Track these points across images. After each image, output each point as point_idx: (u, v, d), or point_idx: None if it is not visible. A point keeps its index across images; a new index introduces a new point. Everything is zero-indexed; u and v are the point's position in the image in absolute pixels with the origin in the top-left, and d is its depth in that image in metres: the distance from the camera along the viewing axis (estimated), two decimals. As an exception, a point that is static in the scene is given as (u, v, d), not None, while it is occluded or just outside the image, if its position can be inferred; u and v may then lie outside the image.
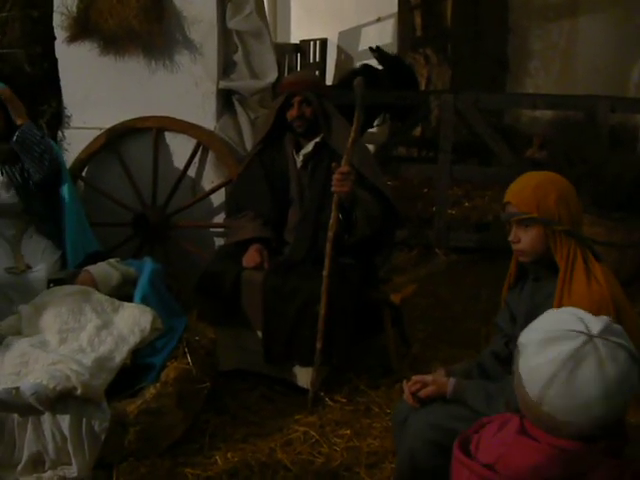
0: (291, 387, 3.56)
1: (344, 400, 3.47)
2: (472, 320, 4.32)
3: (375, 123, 7.28)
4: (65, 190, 3.82)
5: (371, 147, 6.52)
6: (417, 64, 8.16)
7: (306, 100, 3.56)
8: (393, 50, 8.08)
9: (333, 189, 3.28)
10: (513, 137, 7.05)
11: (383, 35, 8.51)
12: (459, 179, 6.29)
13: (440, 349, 3.99)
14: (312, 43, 8.26)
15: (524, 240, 2.31)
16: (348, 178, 3.25)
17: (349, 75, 6.78)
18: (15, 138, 3.69)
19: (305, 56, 8.10)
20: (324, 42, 8.51)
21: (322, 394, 3.48)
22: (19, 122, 3.71)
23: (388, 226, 3.60)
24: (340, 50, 8.85)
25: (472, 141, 6.51)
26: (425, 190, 6.88)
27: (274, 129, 3.71)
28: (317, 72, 8.45)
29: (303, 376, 3.51)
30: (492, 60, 8.23)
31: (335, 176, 3.26)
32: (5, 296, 3.59)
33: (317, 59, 8.38)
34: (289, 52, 7.79)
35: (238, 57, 4.34)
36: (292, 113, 3.58)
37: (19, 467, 2.85)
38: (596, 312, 1.80)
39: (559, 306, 2.16)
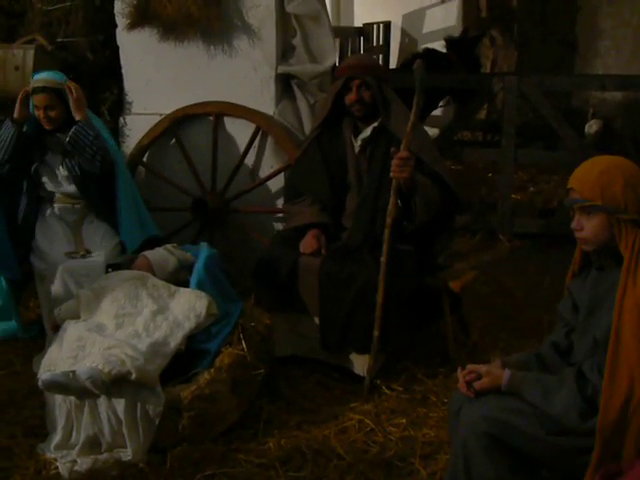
0: (347, 374, 3.53)
1: (400, 388, 3.42)
2: (534, 308, 4.20)
3: (440, 104, 7.12)
4: (120, 180, 3.86)
5: (435, 131, 6.43)
6: (482, 46, 7.96)
7: (365, 84, 3.49)
8: (457, 32, 7.88)
9: (392, 174, 3.21)
10: (581, 120, 6.82)
11: (447, 17, 8.34)
12: (524, 163, 6.12)
13: (500, 338, 3.89)
14: (375, 26, 8.16)
15: (587, 228, 2.20)
16: (407, 163, 3.18)
17: (411, 58, 6.64)
18: (68, 139, 3.73)
19: (368, 39, 8.02)
20: (387, 25, 8.39)
21: (378, 382, 3.44)
22: (77, 117, 3.75)
23: (447, 212, 3.52)
24: (404, 33, 8.72)
25: (538, 124, 6.32)
26: (490, 174, 6.72)
27: (332, 113, 3.66)
28: (380, 56, 8.36)
29: (359, 363, 3.48)
30: (560, 41, 7.98)
31: (394, 161, 3.19)
32: (65, 280, 3.65)
33: (380, 42, 8.28)
34: (352, 36, 7.73)
35: (297, 41, 4.30)
36: (351, 97, 3.52)
37: (76, 448, 2.90)
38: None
39: (622, 297, 2.06)
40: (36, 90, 3.77)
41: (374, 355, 3.35)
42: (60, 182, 3.93)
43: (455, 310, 3.74)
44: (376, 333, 3.29)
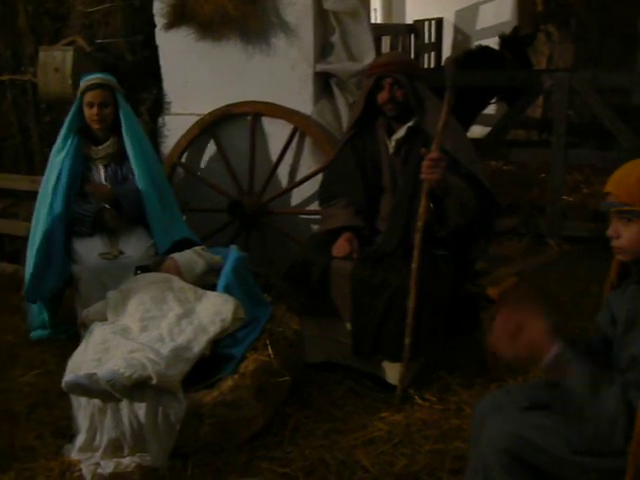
0: (380, 382, 3.44)
1: (434, 399, 3.30)
2: (580, 316, 4.01)
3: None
4: (146, 182, 3.86)
5: (486, 130, 6.26)
6: (537, 41, 7.73)
7: (397, 82, 3.38)
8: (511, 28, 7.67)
9: (422, 176, 3.09)
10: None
11: (501, 12, 8.12)
12: (576, 164, 5.90)
13: (542, 347, 3.71)
14: (427, 23, 8.02)
15: (624, 236, 2.06)
16: (438, 164, 3.06)
17: (464, 56, 6.47)
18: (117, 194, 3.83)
19: (419, 37, 7.87)
20: (440, 22, 8.24)
21: (411, 391, 3.33)
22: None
23: (484, 216, 3.38)
24: (457, 30, 8.54)
25: (593, 123, 6.09)
26: (542, 175, 6.51)
27: (366, 113, 3.56)
28: (432, 54, 8.21)
29: (392, 372, 3.38)
30: (620, 35, 7.67)
31: (424, 162, 3.07)
32: (98, 281, 3.66)
33: (432, 40, 8.13)
34: (402, 33, 7.60)
35: (335, 39, 4.21)
36: (383, 96, 3.41)
37: (100, 451, 2.89)
38: None
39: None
40: (91, 87, 3.78)
41: (406, 364, 3.25)
42: None
43: (494, 318, 3.59)
44: (407, 341, 3.19)
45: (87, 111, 3.82)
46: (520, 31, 6.70)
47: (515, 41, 6.48)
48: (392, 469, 2.81)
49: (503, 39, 6.53)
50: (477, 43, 7.17)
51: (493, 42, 7.17)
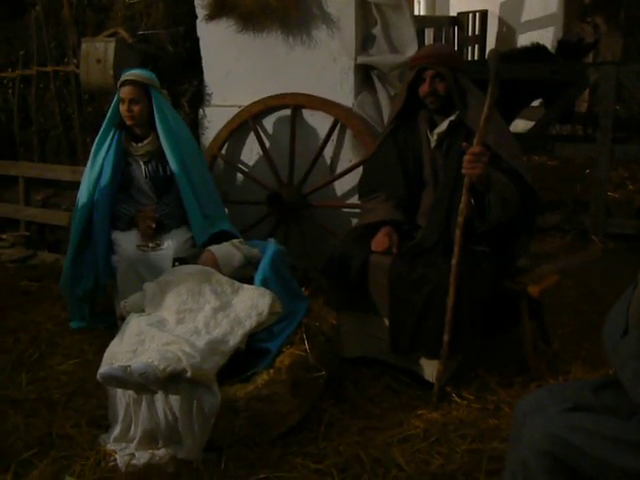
0: (417, 379, 3.39)
1: (472, 397, 3.24)
2: (624, 316, 3.91)
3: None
4: (183, 176, 3.87)
5: (529, 124, 6.16)
6: (585, 34, 7.57)
7: (439, 75, 3.32)
8: (559, 22, 7.53)
9: (463, 171, 3.03)
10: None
11: (548, 4, 7.95)
12: (622, 159, 5.75)
13: (584, 347, 3.64)
14: (471, 15, 7.89)
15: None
16: (480, 159, 2.99)
17: (517, 53, 6.28)
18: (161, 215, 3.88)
19: (463, 29, 7.76)
20: (484, 14, 8.10)
21: (449, 389, 3.29)
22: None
23: (526, 212, 3.30)
24: (501, 22, 8.39)
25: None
26: (587, 171, 6.38)
27: (407, 106, 3.51)
28: (476, 46, 8.09)
29: (429, 369, 3.33)
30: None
31: (466, 157, 3.01)
32: (135, 272, 3.68)
33: (476, 32, 8.00)
34: (446, 25, 7.50)
35: (377, 31, 4.15)
36: (424, 89, 3.35)
37: (134, 442, 2.90)
38: None
39: None
40: (124, 83, 3.81)
41: (444, 361, 3.20)
42: (140, 188, 3.98)
43: (535, 316, 3.53)
44: (446, 338, 3.13)
45: (120, 107, 3.84)
46: (584, 41, 6.51)
47: (575, 50, 6.31)
48: (428, 468, 2.76)
49: (563, 45, 6.36)
50: (534, 41, 6.90)
51: (538, 36, 7.06)
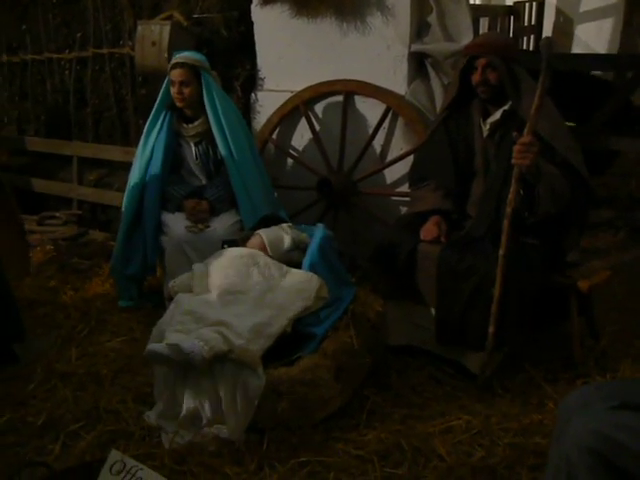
0: (461, 370, 3.36)
1: (516, 391, 3.22)
2: (676, 315, 3.84)
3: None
4: (232, 160, 3.91)
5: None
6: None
7: (491, 64, 3.27)
8: (619, 12, 7.33)
9: (513, 161, 2.99)
10: None
11: (608, -7, 7.76)
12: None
13: (633, 345, 3.57)
14: (527, 4, 7.74)
15: None
16: (530, 149, 2.95)
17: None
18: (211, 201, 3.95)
19: (519, 19, 7.63)
20: (541, 3, 7.93)
21: (493, 382, 3.25)
22: None
23: (578, 205, 3.25)
24: (559, 12, 8.21)
25: None
26: (642, 166, 6.25)
27: (461, 95, 3.47)
28: (532, 37, 7.95)
29: (474, 360, 3.30)
30: None
31: (516, 147, 2.97)
32: (184, 253, 3.72)
33: (532, 22, 7.86)
34: (501, 15, 7.37)
35: (432, 18, 4.10)
36: (475, 77, 3.32)
37: (178, 420, 2.93)
38: None
39: None
40: (174, 66, 3.85)
41: (489, 353, 3.17)
42: (190, 169, 4.02)
43: (584, 311, 3.47)
44: (491, 329, 3.11)
45: (171, 89, 3.88)
46: None
47: None
48: (469, 460, 2.74)
49: None
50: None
51: (596, 27, 6.87)
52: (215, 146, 3.92)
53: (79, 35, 5.43)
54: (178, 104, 3.91)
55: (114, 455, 2.35)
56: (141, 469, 2.34)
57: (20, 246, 4.26)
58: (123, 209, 4.07)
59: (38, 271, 4.66)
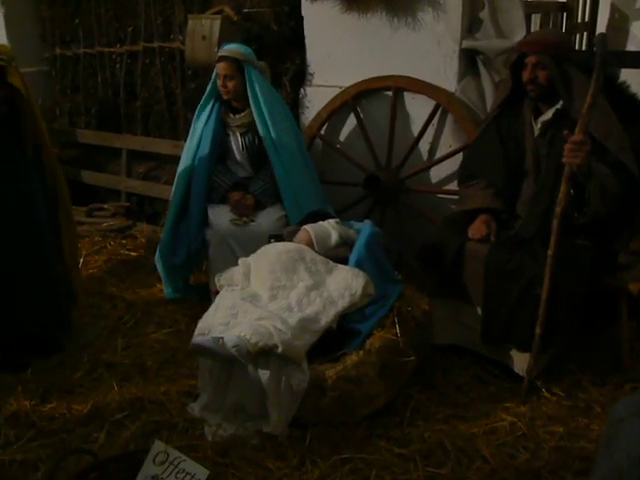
0: (507, 371, 3.33)
1: (562, 394, 3.17)
2: None
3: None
4: (277, 155, 3.92)
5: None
6: None
7: (541, 63, 3.21)
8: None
9: (564, 160, 2.93)
10: None
11: (666, -10, 7.54)
12: None
13: (684, 351, 3.49)
14: (581, 1, 7.58)
15: None
16: (581, 148, 2.89)
17: None
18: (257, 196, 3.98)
19: (572, 16, 7.46)
20: None
21: (539, 384, 3.22)
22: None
23: (629, 206, 3.17)
24: (614, 9, 8.01)
25: None
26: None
27: (513, 93, 3.42)
28: (585, 34, 7.77)
29: (520, 361, 3.26)
30: None
31: (567, 145, 2.91)
32: (228, 247, 3.74)
33: (586, 19, 7.68)
34: (554, 11, 7.22)
35: (484, 14, 4.05)
36: (525, 75, 3.27)
37: (222, 413, 2.96)
38: None
39: None
40: (219, 59, 3.88)
41: (535, 354, 3.12)
42: (236, 159, 4.04)
43: (634, 315, 3.40)
44: (538, 331, 3.06)
45: (218, 82, 3.91)
46: None
47: None
48: (512, 462, 2.72)
49: None
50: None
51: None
52: (261, 138, 3.94)
53: (130, 29, 5.49)
54: (224, 96, 3.94)
55: (157, 445, 2.38)
56: (184, 460, 2.36)
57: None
58: (171, 198, 4.11)
59: (86, 262, 4.72)
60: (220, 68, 3.87)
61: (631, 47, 7.69)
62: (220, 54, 3.92)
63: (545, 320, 3.05)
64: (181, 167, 4.07)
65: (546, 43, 3.24)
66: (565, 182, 2.95)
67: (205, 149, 3.96)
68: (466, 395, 3.21)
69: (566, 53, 3.26)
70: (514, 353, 3.29)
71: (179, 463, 2.36)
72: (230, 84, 3.87)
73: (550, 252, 2.98)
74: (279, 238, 3.42)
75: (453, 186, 4.22)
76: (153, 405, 3.13)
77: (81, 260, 4.49)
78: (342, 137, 4.60)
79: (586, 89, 3.07)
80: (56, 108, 6.23)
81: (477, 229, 3.37)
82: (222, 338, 2.77)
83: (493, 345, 3.34)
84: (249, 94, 3.89)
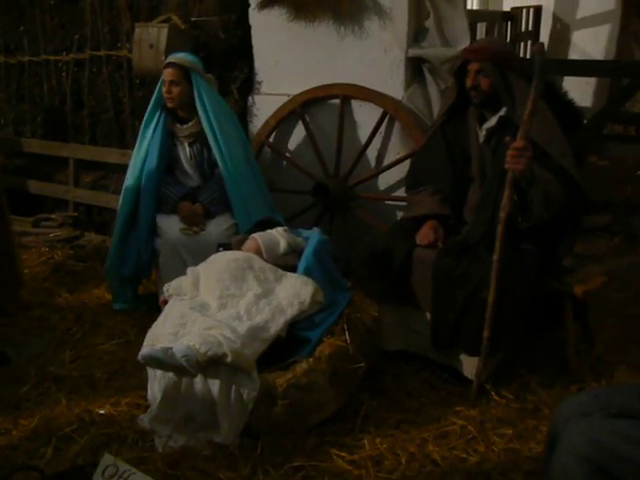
0: (456, 375, 3.36)
1: (511, 396, 3.21)
2: (671, 322, 3.84)
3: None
4: (227, 163, 3.92)
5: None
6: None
7: (483, 70, 3.27)
8: (616, 19, 7.33)
9: (506, 166, 3.00)
10: None
11: (605, 0, 7.75)
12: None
13: (629, 351, 3.56)
14: (525, 10, 7.74)
15: None
16: (523, 154, 2.95)
17: None
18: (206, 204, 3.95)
19: (516, 25, 7.62)
20: (538, 9, 7.93)
21: (488, 387, 3.25)
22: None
23: (572, 211, 3.24)
24: (556, 18, 8.20)
25: None
26: (639, 172, 6.23)
27: (459, 100, 3.47)
28: (529, 42, 7.94)
29: (469, 365, 3.30)
30: None
31: (509, 152, 2.98)
32: (178, 256, 3.72)
33: (530, 28, 7.85)
34: (499, 20, 7.37)
35: (430, 23, 4.11)
36: (468, 82, 3.33)
37: (172, 424, 2.92)
38: None
39: None
40: (166, 65, 3.88)
41: (484, 358, 3.17)
42: (185, 170, 4.03)
43: (579, 317, 3.47)
44: (486, 334, 3.10)
45: (163, 88, 3.90)
46: None
47: None
48: (463, 465, 2.74)
49: None
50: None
51: (593, 34, 6.86)
52: (210, 147, 3.92)
53: (76, 37, 5.42)
54: (168, 104, 3.92)
55: (107, 459, 2.34)
56: (134, 473, 2.33)
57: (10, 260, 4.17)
58: (118, 209, 4.06)
59: (33, 273, 4.64)
60: (166, 74, 3.86)
61: (573, 56, 7.89)
62: (167, 61, 3.91)
63: (492, 324, 3.09)
64: (129, 178, 4.03)
65: (489, 51, 3.30)
66: (508, 187, 3.01)
67: (153, 161, 3.93)
68: (416, 400, 3.23)
69: (508, 61, 3.32)
70: (463, 357, 3.32)
71: (129, 476, 2.33)
72: (175, 90, 3.85)
73: (495, 257, 3.03)
74: (228, 247, 3.40)
75: (401, 193, 4.26)
76: (102, 418, 3.08)
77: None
78: (290, 145, 4.61)
79: (528, 96, 3.14)
80: (1, 117, 6.12)
81: (425, 235, 3.40)
82: (171, 348, 2.74)
83: (442, 350, 3.37)
84: (197, 103, 3.88)
